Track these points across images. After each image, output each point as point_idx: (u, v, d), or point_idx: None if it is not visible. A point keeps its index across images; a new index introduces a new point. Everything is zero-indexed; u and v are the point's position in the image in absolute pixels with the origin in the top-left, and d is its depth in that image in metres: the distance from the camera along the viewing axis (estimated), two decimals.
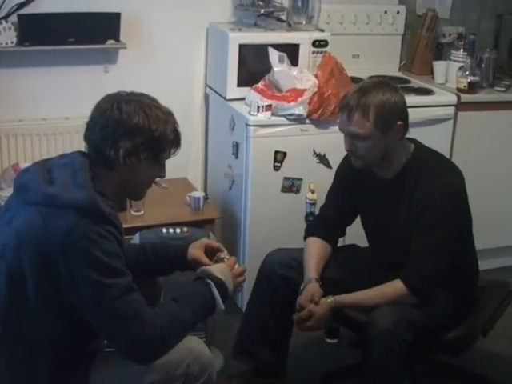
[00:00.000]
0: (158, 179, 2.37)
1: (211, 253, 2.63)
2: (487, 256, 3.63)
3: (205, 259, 2.58)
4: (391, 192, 2.85)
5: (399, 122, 2.72)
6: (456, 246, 2.77)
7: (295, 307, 2.82)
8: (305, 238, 3.10)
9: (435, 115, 4.05)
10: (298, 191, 3.80)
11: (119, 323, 2.10)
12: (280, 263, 3.02)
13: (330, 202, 3.12)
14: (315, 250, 2.99)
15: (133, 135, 2.18)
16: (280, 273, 3.00)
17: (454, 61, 4.35)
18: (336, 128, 3.72)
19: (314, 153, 3.78)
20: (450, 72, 4.35)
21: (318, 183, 3.73)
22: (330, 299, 2.76)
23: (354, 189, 2.99)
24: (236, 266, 2.58)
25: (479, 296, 2.98)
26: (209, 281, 2.36)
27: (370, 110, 2.67)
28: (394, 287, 2.74)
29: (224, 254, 2.63)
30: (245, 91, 3.80)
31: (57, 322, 2.14)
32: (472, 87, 4.18)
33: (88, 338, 2.22)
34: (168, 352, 2.22)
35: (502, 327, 3.09)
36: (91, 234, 2.05)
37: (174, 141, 2.29)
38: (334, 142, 3.75)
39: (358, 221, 3.12)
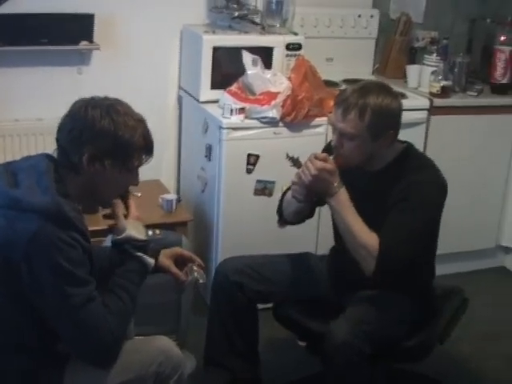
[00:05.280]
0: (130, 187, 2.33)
1: (182, 262, 2.61)
2: (443, 261, 3.53)
3: (174, 269, 2.56)
4: (379, 183, 2.74)
5: (391, 131, 2.67)
6: (428, 238, 2.72)
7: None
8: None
9: (408, 119, 4.01)
10: (270, 194, 3.79)
11: (80, 331, 2.11)
12: (231, 270, 2.97)
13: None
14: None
15: (97, 140, 2.15)
16: (232, 279, 2.95)
17: (427, 65, 4.37)
18: (309, 131, 3.78)
19: (287, 156, 3.77)
20: (423, 76, 4.37)
21: None
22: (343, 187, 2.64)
23: None
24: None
25: (436, 303, 2.93)
26: (138, 254, 2.32)
27: (367, 112, 2.58)
28: (373, 238, 2.59)
29: (196, 265, 2.61)
30: (218, 94, 3.80)
31: (24, 321, 2.13)
32: (445, 91, 4.21)
33: (57, 338, 2.21)
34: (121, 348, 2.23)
35: (458, 330, 3.04)
36: (56, 240, 2.03)
37: (144, 148, 2.23)
38: (307, 146, 3.75)
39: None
